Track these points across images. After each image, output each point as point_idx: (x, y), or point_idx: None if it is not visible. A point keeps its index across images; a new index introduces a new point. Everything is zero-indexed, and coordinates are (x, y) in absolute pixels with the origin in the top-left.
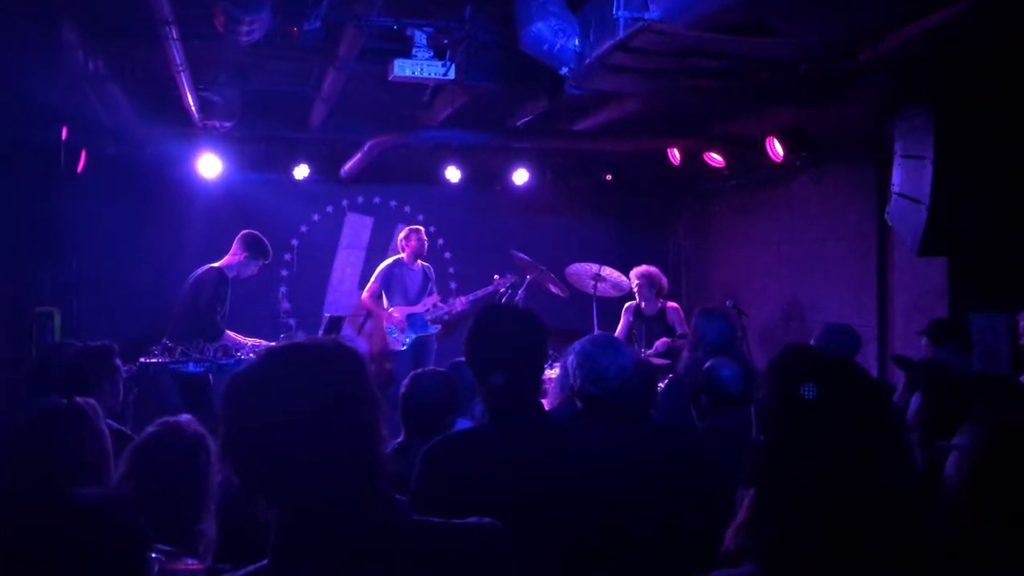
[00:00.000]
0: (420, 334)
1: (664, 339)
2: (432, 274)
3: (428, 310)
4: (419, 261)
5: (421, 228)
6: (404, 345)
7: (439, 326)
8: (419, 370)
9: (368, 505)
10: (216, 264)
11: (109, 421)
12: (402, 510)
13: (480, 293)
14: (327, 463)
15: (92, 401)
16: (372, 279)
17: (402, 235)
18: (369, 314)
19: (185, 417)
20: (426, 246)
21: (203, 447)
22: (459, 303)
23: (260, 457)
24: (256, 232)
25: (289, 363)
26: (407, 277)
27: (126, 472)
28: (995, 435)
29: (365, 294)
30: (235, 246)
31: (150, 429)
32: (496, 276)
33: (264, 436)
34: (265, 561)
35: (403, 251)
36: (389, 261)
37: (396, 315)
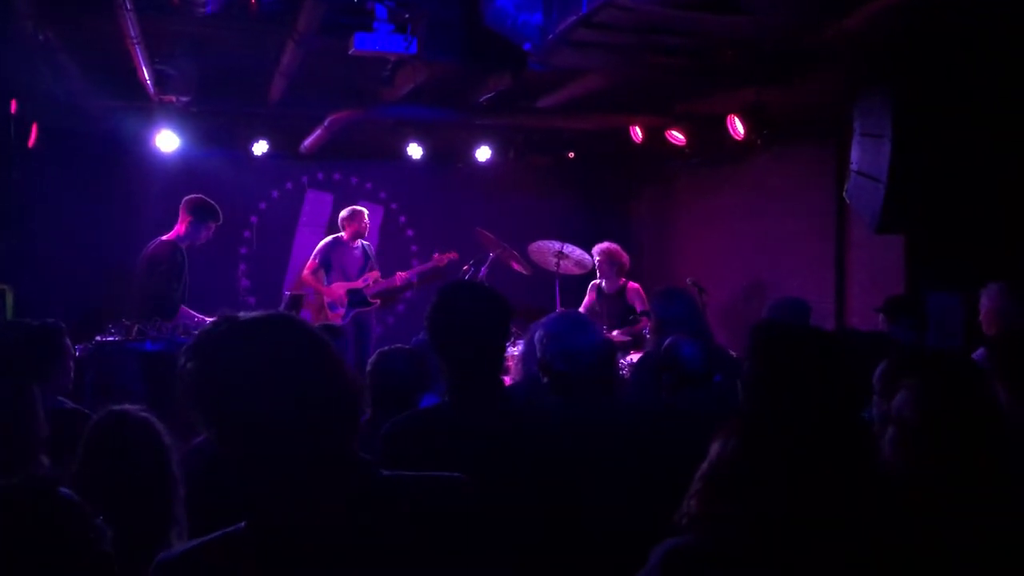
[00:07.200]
0: (359, 309)
1: (617, 331)
2: (372, 251)
3: (368, 285)
4: (359, 240)
5: (364, 210)
6: (344, 320)
7: (377, 301)
8: (385, 348)
9: (344, 462)
10: (166, 237)
11: (65, 401)
12: (374, 467)
13: (421, 268)
14: (313, 420)
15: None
16: (311, 256)
17: (344, 214)
18: (316, 292)
19: (131, 406)
20: (367, 227)
21: (152, 431)
22: (399, 278)
23: (243, 408)
24: (199, 195)
25: (275, 323)
26: (346, 255)
27: (81, 465)
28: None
29: (305, 271)
30: (181, 213)
31: (95, 420)
32: (436, 253)
33: (250, 389)
34: (241, 524)
35: (343, 230)
36: (328, 239)
37: (336, 291)
